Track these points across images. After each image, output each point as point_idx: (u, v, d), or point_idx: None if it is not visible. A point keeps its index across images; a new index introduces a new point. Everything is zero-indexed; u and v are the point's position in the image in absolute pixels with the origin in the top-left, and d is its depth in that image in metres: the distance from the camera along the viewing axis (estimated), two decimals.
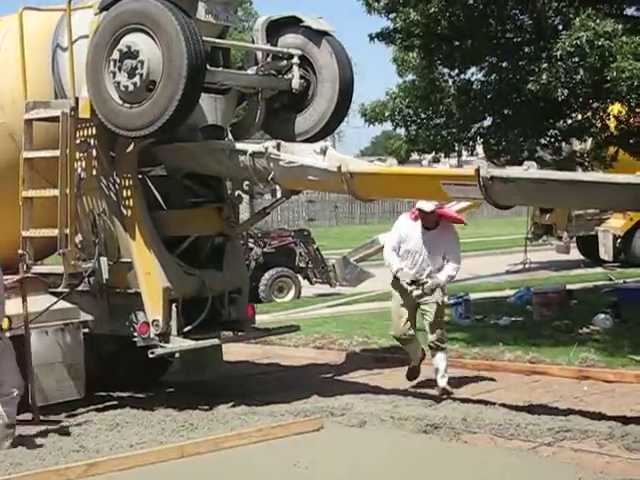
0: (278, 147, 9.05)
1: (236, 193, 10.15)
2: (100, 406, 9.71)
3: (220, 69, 9.61)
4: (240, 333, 10.25)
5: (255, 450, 7.72)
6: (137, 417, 9.09)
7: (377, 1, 12.77)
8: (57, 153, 8.96)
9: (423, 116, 13.60)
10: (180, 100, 8.54)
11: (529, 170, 7.77)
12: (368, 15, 13.05)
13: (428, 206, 9.40)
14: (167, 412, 9.22)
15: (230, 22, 9.80)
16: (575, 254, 23.29)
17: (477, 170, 7.74)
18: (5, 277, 8.33)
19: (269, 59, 9.86)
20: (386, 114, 13.39)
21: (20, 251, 8.89)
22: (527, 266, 22.51)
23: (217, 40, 9.66)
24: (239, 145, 9.40)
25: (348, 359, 12.03)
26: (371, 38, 13.49)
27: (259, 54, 9.89)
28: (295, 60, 9.80)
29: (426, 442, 7.84)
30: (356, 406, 9.07)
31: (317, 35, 9.84)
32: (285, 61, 9.85)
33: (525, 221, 23.80)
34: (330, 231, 41.46)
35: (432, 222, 9.61)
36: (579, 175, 7.72)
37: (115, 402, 9.84)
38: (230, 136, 9.95)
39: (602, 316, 13.22)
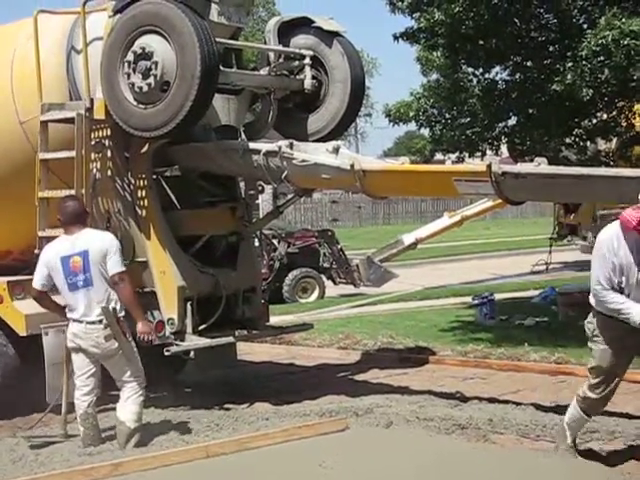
0: (291, 146, 9.08)
1: (249, 192, 10.22)
2: None
3: (233, 70, 9.66)
4: (254, 331, 10.29)
5: (280, 450, 7.67)
6: (162, 417, 9.10)
7: (401, 0, 12.74)
8: (72, 154, 9.00)
9: (447, 116, 13.60)
10: (194, 101, 8.55)
11: (540, 166, 7.78)
12: (392, 15, 13.06)
13: None
14: (192, 413, 9.22)
15: (242, 24, 9.89)
16: None
17: (489, 166, 7.74)
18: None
19: (281, 60, 9.89)
20: (410, 114, 13.40)
21: (36, 250, 8.88)
22: (547, 268, 22.39)
23: (230, 41, 9.71)
24: (252, 145, 9.42)
25: (373, 359, 12.00)
26: (395, 38, 13.43)
27: (271, 55, 9.92)
28: (307, 61, 9.82)
29: (452, 443, 7.79)
30: (381, 406, 9.03)
31: (328, 36, 9.90)
32: (297, 62, 9.89)
33: (549, 222, 23.68)
34: (353, 231, 41.48)
35: None
36: (589, 170, 7.77)
37: None
38: (243, 136, 9.99)
39: None
